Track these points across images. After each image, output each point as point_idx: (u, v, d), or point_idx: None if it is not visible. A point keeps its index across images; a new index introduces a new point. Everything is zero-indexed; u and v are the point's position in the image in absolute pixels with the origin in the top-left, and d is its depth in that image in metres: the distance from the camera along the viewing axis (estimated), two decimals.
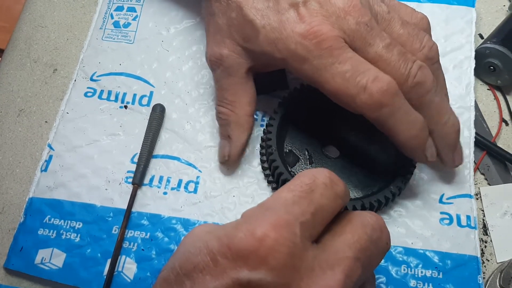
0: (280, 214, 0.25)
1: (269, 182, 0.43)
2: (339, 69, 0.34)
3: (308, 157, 0.42)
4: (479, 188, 0.45)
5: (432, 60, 0.37)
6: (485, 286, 0.40)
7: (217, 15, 0.40)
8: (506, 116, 0.48)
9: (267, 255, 0.24)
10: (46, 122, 0.47)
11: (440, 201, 0.42)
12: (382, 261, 0.40)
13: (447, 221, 0.41)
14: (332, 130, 0.44)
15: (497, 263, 0.41)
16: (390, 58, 0.35)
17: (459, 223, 0.41)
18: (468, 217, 0.42)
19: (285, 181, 0.39)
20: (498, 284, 0.40)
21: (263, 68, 0.41)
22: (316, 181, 0.27)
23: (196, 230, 0.27)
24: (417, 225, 0.41)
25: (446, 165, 0.41)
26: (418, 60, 0.36)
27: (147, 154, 0.44)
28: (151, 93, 0.47)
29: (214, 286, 0.24)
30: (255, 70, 0.41)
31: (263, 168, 0.43)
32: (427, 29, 0.40)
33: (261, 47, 0.37)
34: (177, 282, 0.25)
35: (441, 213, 0.42)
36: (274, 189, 0.43)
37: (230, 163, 0.43)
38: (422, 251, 0.40)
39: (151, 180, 0.43)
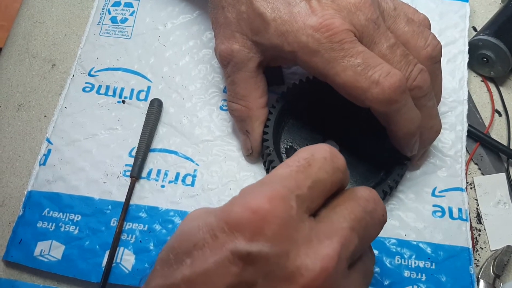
0: (276, 187, 0.25)
1: None
2: (351, 62, 0.34)
3: None
4: (472, 178, 0.45)
5: (435, 60, 0.38)
6: (479, 274, 0.41)
7: (226, 9, 0.39)
8: (499, 107, 0.49)
9: (263, 226, 0.24)
10: (45, 116, 0.48)
11: (433, 194, 0.43)
12: (376, 252, 0.41)
13: (440, 214, 0.42)
14: (332, 125, 0.44)
15: (491, 251, 0.42)
16: (392, 59, 0.36)
17: (451, 216, 0.42)
18: (459, 210, 0.42)
19: None
20: (491, 271, 0.41)
21: (273, 62, 0.41)
22: (314, 155, 0.28)
23: (192, 212, 0.28)
24: (410, 217, 0.42)
25: (411, 160, 0.42)
26: (419, 63, 0.36)
27: (144, 147, 0.44)
28: (149, 88, 0.48)
29: (214, 260, 0.24)
30: (265, 64, 0.41)
31: (263, 164, 0.43)
32: (428, 29, 0.40)
33: (271, 40, 0.37)
34: (176, 261, 0.25)
35: (434, 206, 0.43)
36: None
37: (254, 155, 0.43)
38: (415, 243, 0.41)
39: (149, 173, 0.44)
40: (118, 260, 0.40)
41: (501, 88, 0.49)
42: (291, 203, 0.25)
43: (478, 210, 0.44)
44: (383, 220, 0.29)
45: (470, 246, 0.41)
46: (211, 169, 0.44)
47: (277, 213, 0.24)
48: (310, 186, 0.26)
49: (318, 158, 0.27)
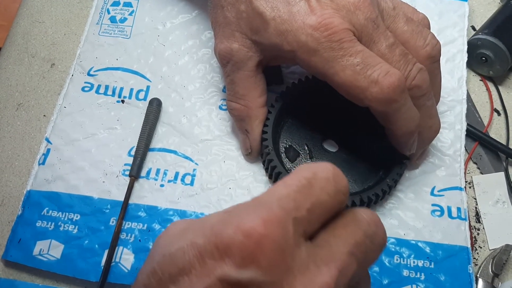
0: (273, 209, 0.23)
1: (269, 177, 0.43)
2: (350, 61, 0.34)
3: (308, 152, 0.43)
4: (471, 177, 0.45)
5: (434, 59, 0.38)
6: (478, 273, 0.41)
7: (225, 8, 0.40)
8: (498, 106, 0.49)
9: (257, 252, 0.22)
10: (44, 116, 0.48)
11: (432, 193, 0.43)
12: None
13: (438, 213, 0.42)
14: (331, 124, 0.44)
15: (490, 250, 0.42)
16: (391, 58, 0.36)
17: (450, 215, 0.42)
18: (458, 209, 0.42)
19: None
20: (490, 270, 0.41)
21: (272, 61, 0.41)
22: (316, 175, 0.26)
23: (171, 228, 0.25)
24: (409, 216, 0.42)
25: (410, 159, 0.42)
26: (418, 63, 0.36)
27: (144, 147, 0.44)
28: (148, 87, 0.48)
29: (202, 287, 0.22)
30: (265, 63, 0.41)
31: (263, 163, 0.44)
32: (428, 28, 0.40)
33: (270, 39, 0.37)
34: (159, 286, 0.23)
35: (433, 205, 0.43)
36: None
37: (253, 155, 0.43)
38: (414, 242, 0.41)
39: (148, 172, 0.44)
40: (117, 259, 0.40)
41: (500, 88, 0.50)
42: (288, 227, 0.23)
43: (477, 209, 0.44)
44: (384, 244, 0.27)
45: (469, 245, 0.41)
46: (210, 168, 0.44)
47: (272, 238, 0.22)
48: (309, 209, 0.24)
49: (320, 178, 0.25)
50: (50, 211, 0.42)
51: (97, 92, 0.48)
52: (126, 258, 0.40)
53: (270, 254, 0.22)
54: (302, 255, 0.23)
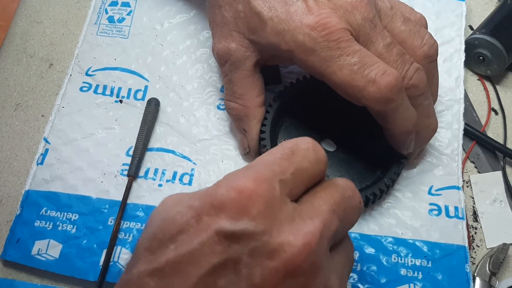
0: (260, 171, 0.26)
1: None
2: (347, 61, 0.35)
3: None
4: (469, 176, 0.45)
5: (431, 58, 0.38)
6: (475, 272, 0.41)
7: (223, 8, 0.40)
8: (495, 105, 0.49)
9: (248, 204, 0.25)
10: (42, 116, 0.48)
11: (429, 192, 0.43)
12: (373, 250, 0.41)
13: (436, 212, 0.42)
14: (329, 124, 0.44)
15: (487, 248, 0.42)
16: (389, 58, 0.36)
17: (447, 214, 0.42)
18: (456, 208, 0.42)
19: None
20: (487, 269, 0.41)
21: (270, 61, 0.41)
22: (298, 146, 0.28)
23: (167, 200, 0.27)
24: (407, 216, 0.42)
25: (408, 158, 0.42)
26: (415, 62, 0.36)
27: (142, 147, 0.44)
28: (146, 87, 0.48)
29: (199, 241, 0.24)
30: (262, 63, 0.41)
31: None
32: (425, 28, 0.40)
33: (268, 39, 0.37)
34: (160, 247, 0.25)
35: (430, 204, 0.43)
36: None
37: (251, 154, 0.43)
38: (412, 241, 0.41)
39: (146, 172, 0.44)
40: (115, 259, 0.40)
41: (497, 87, 0.50)
42: (275, 186, 0.26)
43: (475, 208, 0.44)
44: (360, 208, 0.30)
45: (466, 244, 0.41)
46: (208, 168, 0.44)
47: (261, 192, 0.25)
48: (293, 173, 0.27)
49: (302, 149, 0.28)
50: (49, 211, 0.42)
51: (95, 92, 0.48)
52: (124, 257, 0.41)
53: (260, 206, 0.25)
54: (288, 209, 0.26)
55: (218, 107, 0.47)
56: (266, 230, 0.25)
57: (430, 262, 0.40)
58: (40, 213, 0.42)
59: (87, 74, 0.49)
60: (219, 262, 0.24)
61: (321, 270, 0.26)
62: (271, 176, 0.26)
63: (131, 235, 0.41)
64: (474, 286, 0.40)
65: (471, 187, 0.45)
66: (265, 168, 0.27)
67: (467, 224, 0.43)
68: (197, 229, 0.25)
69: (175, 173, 0.44)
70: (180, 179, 0.44)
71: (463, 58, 0.49)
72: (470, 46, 0.49)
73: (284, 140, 0.43)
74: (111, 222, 0.42)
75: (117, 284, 0.26)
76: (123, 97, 0.48)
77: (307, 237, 0.25)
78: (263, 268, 0.24)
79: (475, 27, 0.51)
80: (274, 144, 0.42)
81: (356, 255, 0.41)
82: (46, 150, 0.45)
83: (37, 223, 0.42)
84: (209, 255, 0.24)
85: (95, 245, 0.41)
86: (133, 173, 0.43)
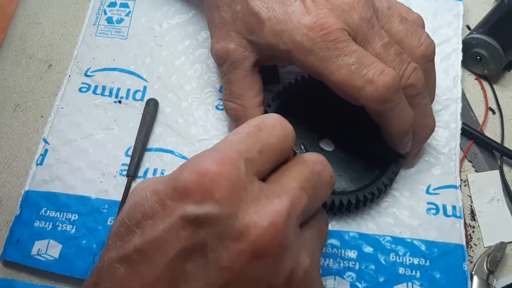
0: (224, 152, 0.26)
1: None
2: (345, 61, 0.35)
3: (304, 151, 0.43)
4: (466, 175, 0.46)
5: (428, 58, 0.38)
6: (473, 270, 0.41)
7: (221, 9, 0.40)
8: (493, 104, 0.49)
9: (211, 188, 0.24)
10: (41, 116, 0.48)
11: (427, 191, 0.43)
12: (371, 249, 0.41)
13: (434, 211, 0.43)
14: (327, 124, 0.44)
15: (485, 247, 0.43)
16: (386, 58, 0.36)
17: (445, 213, 0.42)
18: (453, 207, 0.43)
19: None
20: (485, 267, 0.41)
21: (268, 61, 0.41)
22: (264, 122, 0.28)
23: (140, 183, 0.27)
24: (405, 215, 0.43)
25: (406, 158, 0.43)
26: (412, 62, 0.37)
27: (141, 147, 0.44)
28: (145, 88, 0.48)
29: (163, 227, 0.24)
30: (261, 63, 0.41)
31: None
32: (422, 28, 0.41)
33: (266, 39, 0.38)
34: (127, 233, 0.25)
35: (428, 203, 0.43)
36: None
37: None
38: (409, 240, 0.42)
39: (145, 172, 0.44)
40: None
41: (494, 86, 0.50)
42: (240, 166, 0.25)
43: (472, 207, 0.44)
44: (332, 182, 0.29)
45: (464, 243, 0.41)
46: None
47: (225, 175, 0.25)
48: (260, 150, 0.27)
49: (268, 124, 0.28)
50: (48, 211, 0.43)
51: (94, 92, 0.48)
52: None
53: (224, 189, 0.24)
54: (255, 189, 0.25)
55: (217, 107, 0.47)
56: (232, 212, 0.24)
57: (428, 261, 0.41)
58: (40, 213, 0.43)
59: (86, 75, 0.49)
60: (185, 247, 0.24)
61: (289, 249, 0.25)
62: (236, 156, 0.26)
63: None
64: (472, 284, 0.40)
65: (468, 186, 0.45)
66: (230, 148, 0.26)
67: (465, 223, 0.43)
68: (162, 214, 0.25)
69: None
70: None
71: (460, 57, 0.49)
72: (468, 46, 0.49)
73: None
74: (110, 222, 0.42)
75: (91, 273, 0.26)
76: (122, 97, 0.48)
77: (273, 217, 0.25)
78: (229, 251, 0.24)
79: (472, 27, 0.51)
80: None
81: (355, 254, 0.41)
82: (46, 151, 0.45)
83: (36, 224, 0.42)
84: (174, 240, 0.24)
85: (94, 245, 0.41)
86: (132, 173, 0.43)
